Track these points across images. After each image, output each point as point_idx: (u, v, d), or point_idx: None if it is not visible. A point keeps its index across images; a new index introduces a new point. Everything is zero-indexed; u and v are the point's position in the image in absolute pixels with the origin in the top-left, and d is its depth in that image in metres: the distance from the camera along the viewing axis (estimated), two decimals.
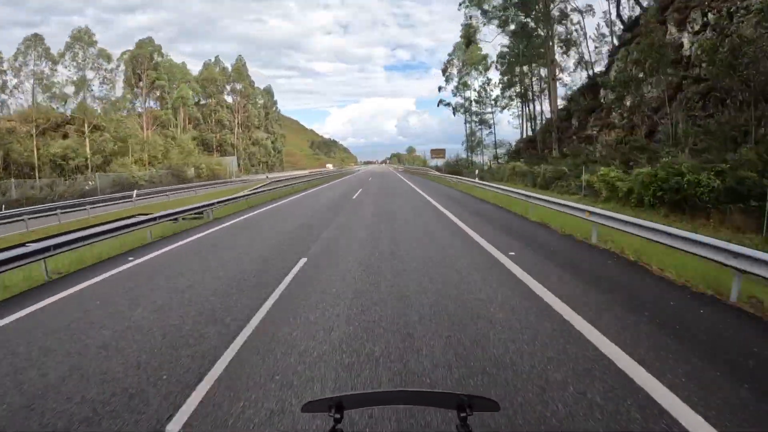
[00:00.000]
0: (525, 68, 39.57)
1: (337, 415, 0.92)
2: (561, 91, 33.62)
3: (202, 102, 75.26)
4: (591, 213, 7.95)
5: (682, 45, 20.55)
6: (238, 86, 78.21)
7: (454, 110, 50.57)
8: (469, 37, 42.78)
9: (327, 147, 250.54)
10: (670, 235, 5.68)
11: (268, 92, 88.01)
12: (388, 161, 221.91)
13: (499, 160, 42.95)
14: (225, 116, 73.96)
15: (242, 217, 13.60)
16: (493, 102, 46.47)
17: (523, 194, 12.80)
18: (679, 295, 4.91)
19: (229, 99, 78.50)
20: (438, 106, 50.82)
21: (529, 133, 40.94)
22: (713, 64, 15.90)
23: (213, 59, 79.24)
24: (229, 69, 78.76)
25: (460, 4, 38.56)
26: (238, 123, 76.95)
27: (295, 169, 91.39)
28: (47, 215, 17.98)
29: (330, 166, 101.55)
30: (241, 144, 77.50)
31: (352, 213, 14.06)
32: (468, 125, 50.48)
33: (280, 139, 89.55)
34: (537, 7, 30.44)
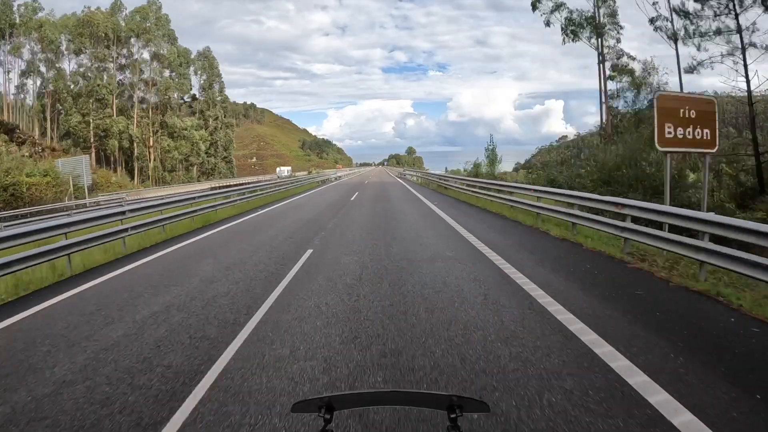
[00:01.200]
0: None
1: (327, 416, 0.91)
2: None
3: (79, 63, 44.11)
4: None
5: None
6: (141, 44, 46.95)
7: (569, 27, 19.87)
8: None
9: (319, 147, 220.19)
10: None
11: (206, 58, 56.69)
12: (385, 163, 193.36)
13: None
14: (105, 88, 42.71)
15: None
16: None
17: None
18: None
19: (146, 72, 47.55)
20: (534, 10, 20.41)
21: None
22: None
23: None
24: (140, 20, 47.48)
25: None
26: (137, 100, 45.78)
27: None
28: None
29: (284, 171, 58.47)
30: (151, 136, 46.31)
31: None
32: (605, 66, 19.76)
33: (225, 131, 58.10)
34: None
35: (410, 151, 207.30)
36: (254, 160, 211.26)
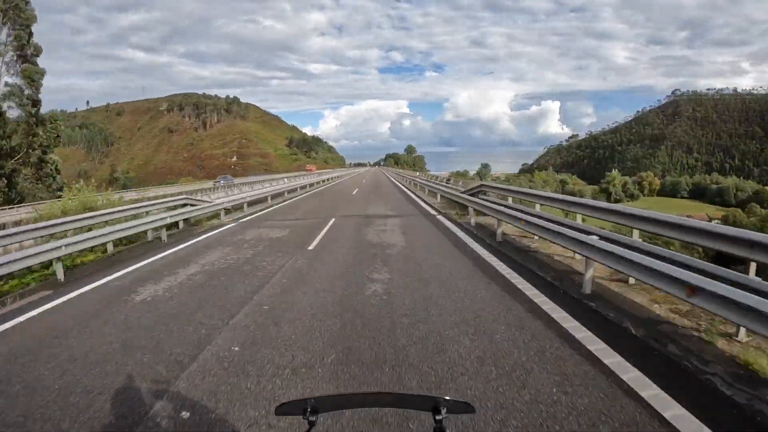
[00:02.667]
0: None
1: (312, 418, 0.89)
2: None
3: None
4: None
5: None
6: None
7: None
8: None
9: (308, 146, 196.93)
10: None
11: None
12: (382, 163, 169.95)
13: None
14: None
15: None
16: None
17: None
18: None
19: None
20: None
21: None
22: None
23: None
24: None
25: None
26: None
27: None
28: None
29: None
30: None
31: None
32: None
33: (21, 99, 29.11)
34: None
35: (410, 149, 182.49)
36: (234, 159, 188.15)
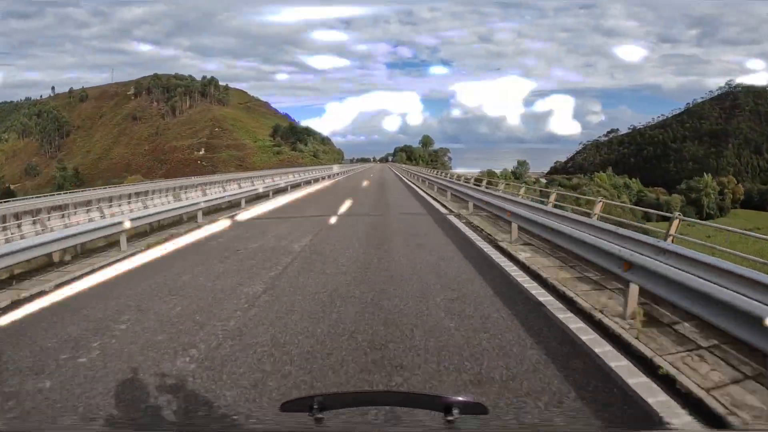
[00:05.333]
0: None
1: (319, 415, 0.89)
2: None
3: None
4: None
5: None
6: None
7: None
8: None
9: (296, 136, 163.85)
10: None
11: None
12: (390, 159, 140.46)
13: None
14: None
15: None
16: None
17: None
18: None
19: None
20: None
21: None
22: None
23: None
24: None
25: None
26: None
27: None
28: None
29: None
30: None
31: None
32: None
33: None
34: None
35: (426, 141, 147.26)
36: (202, 152, 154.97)
